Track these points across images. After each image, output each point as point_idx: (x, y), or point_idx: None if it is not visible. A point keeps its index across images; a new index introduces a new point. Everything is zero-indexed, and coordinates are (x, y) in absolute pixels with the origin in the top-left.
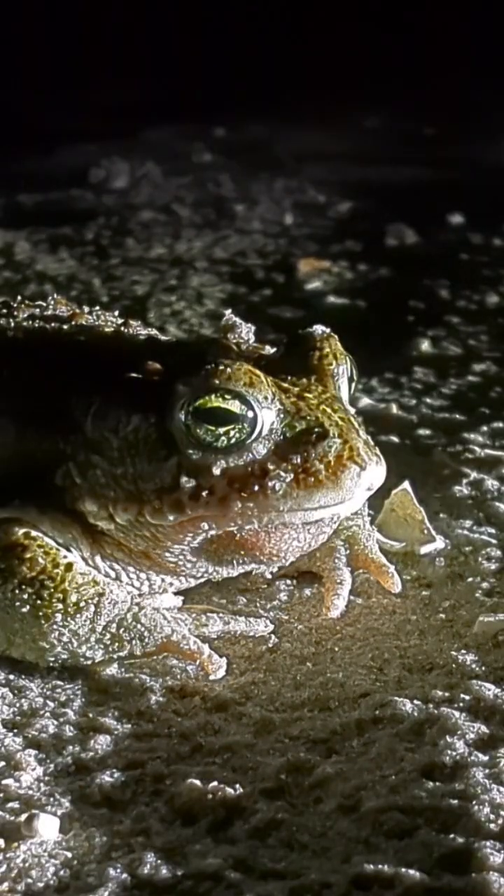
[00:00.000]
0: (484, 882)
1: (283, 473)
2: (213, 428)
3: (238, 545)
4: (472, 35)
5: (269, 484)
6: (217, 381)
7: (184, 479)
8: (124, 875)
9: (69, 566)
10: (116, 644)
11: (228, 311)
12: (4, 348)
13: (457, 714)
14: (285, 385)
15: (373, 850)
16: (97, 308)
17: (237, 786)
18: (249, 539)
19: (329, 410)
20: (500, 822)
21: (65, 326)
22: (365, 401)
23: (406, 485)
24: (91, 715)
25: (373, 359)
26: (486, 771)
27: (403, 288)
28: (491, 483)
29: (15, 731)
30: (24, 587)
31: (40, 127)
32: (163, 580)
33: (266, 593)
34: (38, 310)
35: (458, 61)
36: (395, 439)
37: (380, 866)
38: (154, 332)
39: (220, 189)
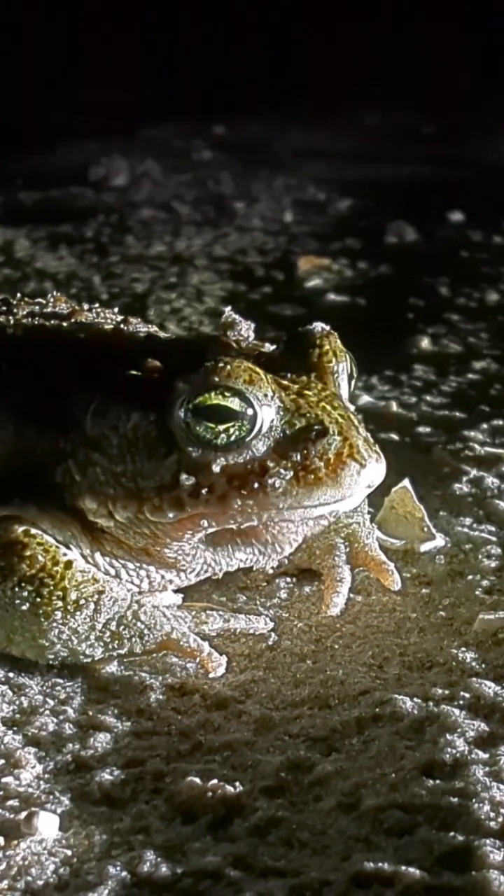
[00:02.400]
0: (484, 880)
1: (282, 471)
2: (212, 425)
3: (237, 534)
4: (472, 33)
5: (269, 481)
6: (217, 379)
7: (183, 476)
8: (124, 873)
9: (69, 564)
10: (116, 642)
11: (228, 309)
12: (4, 346)
13: (457, 712)
14: (285, 382)
15: (373, 848)
16: (97, 305)
17: (237, 784)
18: (248, 528)
19: (329, 408)
20: (500, 820)
21: (64, 324)
22: (365, 398)
23: (406, 482)
24: (91, 713)
25: (373, 356)
26: (486, 769)
27: (403, 285)
28: (491, 481)
29: (15, 728)
30: (23, 585)
31: (40, 125)
32: (162, 577)
33: (266, 591)
34: (37, 307)
35: (459, 59)
36: (394, 437)
37: (380, 864)
38: (154, 329)
39: (219, 187)
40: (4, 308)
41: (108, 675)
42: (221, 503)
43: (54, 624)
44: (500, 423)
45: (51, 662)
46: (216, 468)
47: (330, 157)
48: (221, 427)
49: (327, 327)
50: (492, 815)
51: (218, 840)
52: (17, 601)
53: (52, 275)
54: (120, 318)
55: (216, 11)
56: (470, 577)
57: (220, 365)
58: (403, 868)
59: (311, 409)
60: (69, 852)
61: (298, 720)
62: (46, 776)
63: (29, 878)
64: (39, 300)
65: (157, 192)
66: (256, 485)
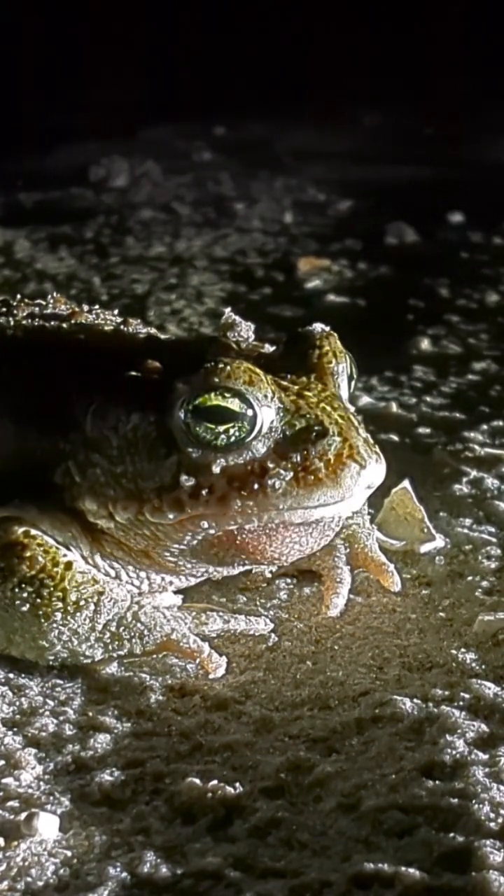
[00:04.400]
0: (484, 881)
1: (282, 472)
2: (212, 426)
3: (238, 548)
4: (472, 34)
5: (269, 482)
6: (216, 380)
7: (183, 477)
8: (124, 874)
9: (69, 565)
10: (116, 643)
11: (228, 310)
12: (4, 347)
13: (457, 713)
14: (285, 383)
15: (373, 849)
16: (97, 307)
17: (237, 784)
18: (250, 542)
19: (329, 409)
20: (500, 820)
21: (64, 325)
22: (365, 399)
23: (406, 483)
24: (91, 713)
25: (372, 357)
26: (486, 769)
27: (403, 286)
28: (491, 481)
29: (15, 729)
30: (23, 586)
31: (40, 125)
32: (163, 579)
33: (266, 592)
34: (37, 308)
35: (458, 60)
36: (394, 438)
37: (380, 865)
38: (153, 330)
39: (219, 188)
40: (4, 309)
41: (108, 676)
42: (221, 504)
43: (54, 625)
44: (500, 424)
45: (51, 663)
46: (216, 469)
47: (330, 157)
48: (221, 428)
49: (327, 328)
50: (492, 815)
51: (218, 841)
52: (17, 602)
53: (52, 276)
54: (120, 319)
55: (216, 12)
56: (470, 578)
57: (220, 366)
58: (403, 869)
59: (311, 409)
60: (69, 853)
61: (298, 721)
62: (46, 777)
63: (29, 879)
64: (39, 301)
65: (157, 193)
66: (256, 486)
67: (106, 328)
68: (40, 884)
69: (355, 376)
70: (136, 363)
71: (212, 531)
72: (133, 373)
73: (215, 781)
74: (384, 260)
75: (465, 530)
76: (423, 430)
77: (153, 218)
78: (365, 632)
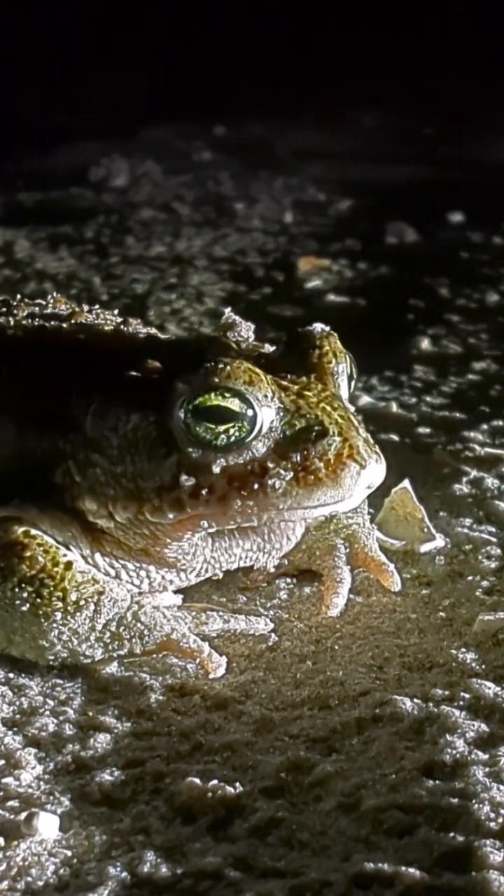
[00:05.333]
0: (484, 880)
1: (282, 472)
2: (212, 426)
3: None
4: (472, 34)
5: (269, 482)
6: (216, 380)
7: (183, 477)
8: (124, 873)
9: (69, 564)
10: (116, 642)
11: (228, 310)
12: (4, 347)
13: (457, 712)
14: (285, 383)
15: (373, 849)
16: (97, 306)
17: (237, 784)
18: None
19: (329, 409)
20: (500, 820)
21: (64, 325)
22: (365, 399)
23: (406, 483)
24: (91, 713)
25: (373, 357)
26: (486, 769)
27: (403, 286)
28: (491, 481)
29: (15, 729)
30: (23, 585)
31: (40, 125)
32: (163, 577)
33: (266, 592)
34: (37, 308)
35: (458, 60)
36: (394, 437)
37: (380, 865)
38: (153, 330)
39: (219, 187)
40: (5, 309)
41: (108, 676)
42: (221, 504)
43: (54, 625)
44: (500, 423)
45: (51, 663)
46: (216, 469)
47: (330, 157)
48: (221, 428)
49: (327, 328)
50: (492, 815)
51: (218, 841)
52: (18, 602)
53: (52, 276)
54: (120, 319)
55: (216, 12)
56: (470, 577)
57: (220, 366)
58: (403, 869)
59: (311, 409)
60: (69, 853)
61: (298, 721)
62: (46, 777)
63: (29, 879)
64: (39, 301)
65: (158, 193)
66: (256, 485)
67: (106, 328)
68: (40, 884)
69: (355, 376)
70: (136, 363)
71: (211, 530)
72: (133, 373)
73: (215, 781)
74: (384, 260)
75: (465, 530)
76: (423, 429)
77: (153, 218)
78: (365, 631)
